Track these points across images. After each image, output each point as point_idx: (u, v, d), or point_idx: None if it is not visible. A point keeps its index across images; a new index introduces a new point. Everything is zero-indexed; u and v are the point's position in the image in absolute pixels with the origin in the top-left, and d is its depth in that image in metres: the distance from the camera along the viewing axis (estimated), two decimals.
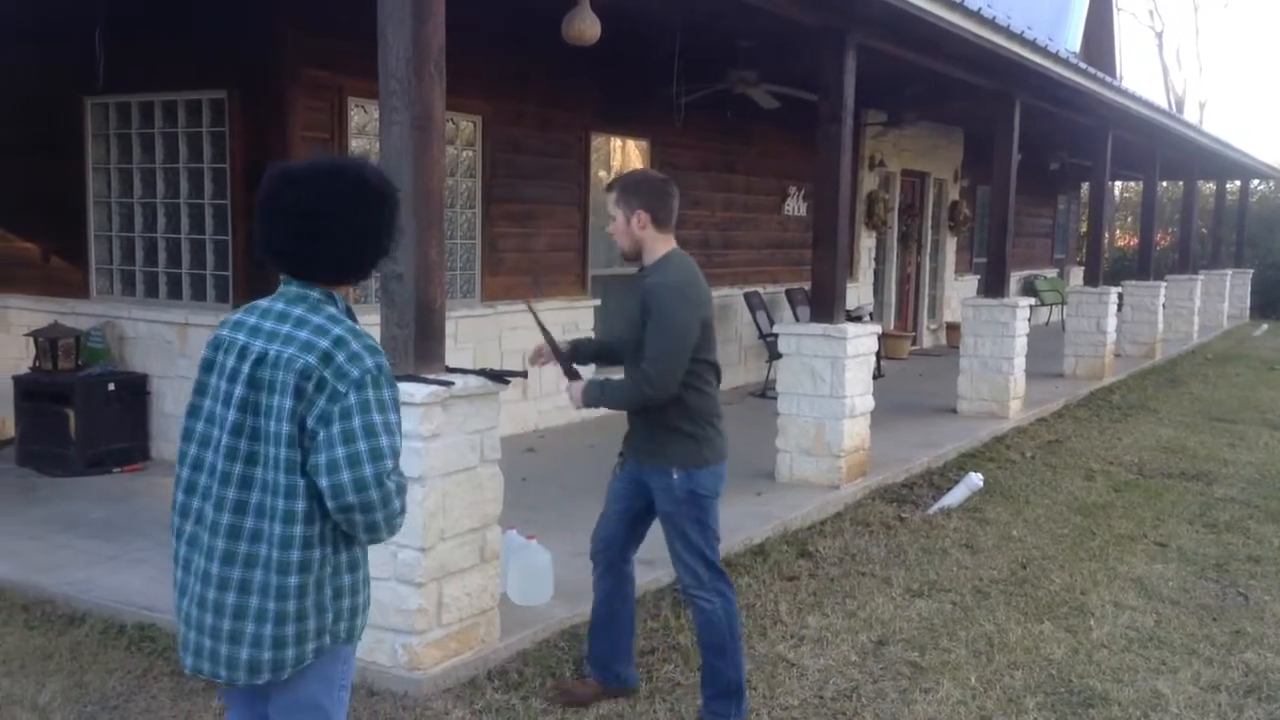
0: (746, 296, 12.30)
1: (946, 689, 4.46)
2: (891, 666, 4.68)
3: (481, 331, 8.88)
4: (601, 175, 10.33)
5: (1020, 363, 10.53)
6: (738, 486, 7.37)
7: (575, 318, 9.91)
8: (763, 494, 7.23)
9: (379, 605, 4.30)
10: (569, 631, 4.94)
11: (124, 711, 4.08)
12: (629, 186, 3.98)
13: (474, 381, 4.42)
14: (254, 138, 7.48)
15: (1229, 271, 23.81)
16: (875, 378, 8.04)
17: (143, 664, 4.47)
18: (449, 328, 5.86)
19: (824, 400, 7.43)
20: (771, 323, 11.98)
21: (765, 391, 11.21)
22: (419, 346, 4.32)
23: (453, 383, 4.25)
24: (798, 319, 11.84)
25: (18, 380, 7.69)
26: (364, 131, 7.84)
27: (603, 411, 10.23)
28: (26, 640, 4.70)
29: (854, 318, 9.56)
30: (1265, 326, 23.88)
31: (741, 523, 6.52)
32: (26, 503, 6.72)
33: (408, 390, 4.16)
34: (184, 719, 4.03)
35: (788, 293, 12.96)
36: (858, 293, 13.78)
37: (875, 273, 15.38)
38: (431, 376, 4.28)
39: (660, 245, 3.96)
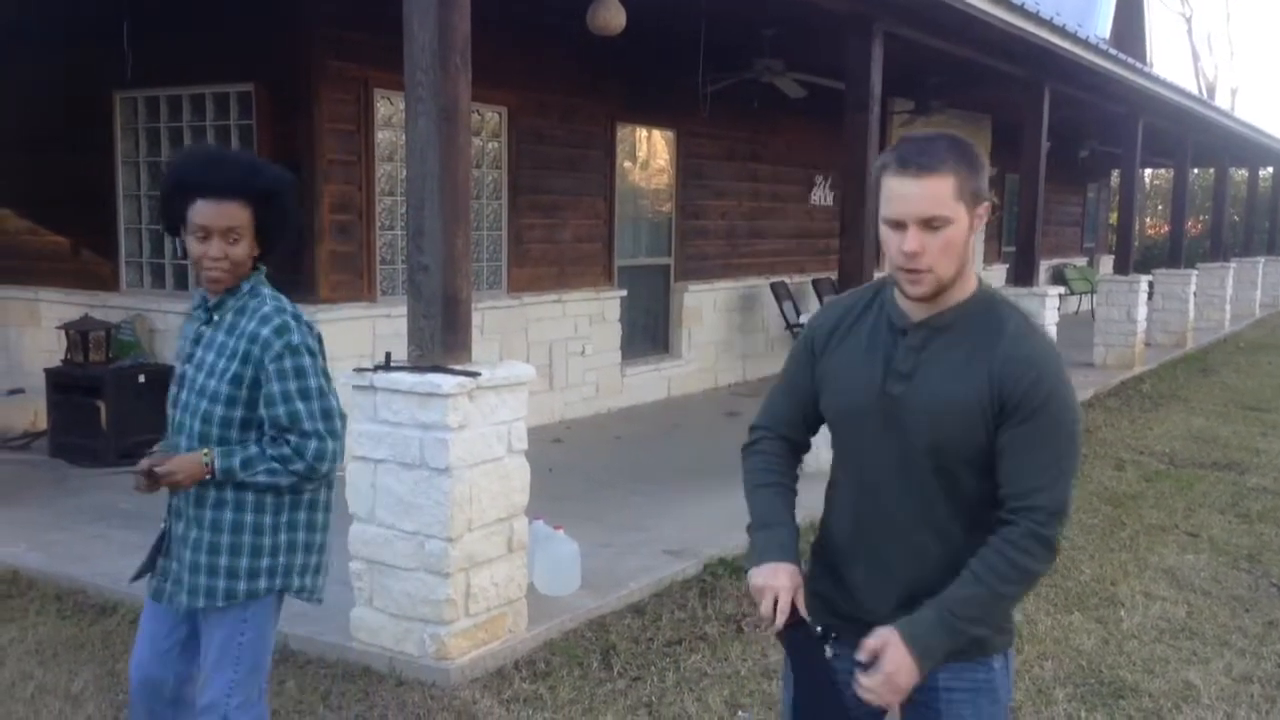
0: (773, 286, 12.26)
1: None
2: None
3: (508, 323, 8.89)
4: (627, 165, 10.32)
5: None
6: None
7: (601, 309, 9.91)
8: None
9: (407, 596, 4.34)
10: (596, 622, 4.94)
11: None
12: (968, 155, 2.04)
13: (502, 371, 4.42)
14: (281, 130, 7.51)
15: (1261, 259, 23.52)
16: None
17: None
18: (475, 319, 5.87)
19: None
20: (799, 313, 11.93)
21: None
22: (445, 338, 4.33)
23: (479, 373, 4.26)
24: None
25: (49, 373, 7.77)
26: (390, 123, 7.86)
27: (630, 401, 10.40)
28: (59, 630, 4.75)
29: None
30: None
31: None
32: (58, 494, 6.79)
33: (434, 381, 4.18)
34: None
35: (814, 283, 12.91)
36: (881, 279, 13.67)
37: None
38: (458, 368, 4.29)
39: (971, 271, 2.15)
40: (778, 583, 2.08)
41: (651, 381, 10.67)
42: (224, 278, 2.81)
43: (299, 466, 2.80)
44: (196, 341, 2.88)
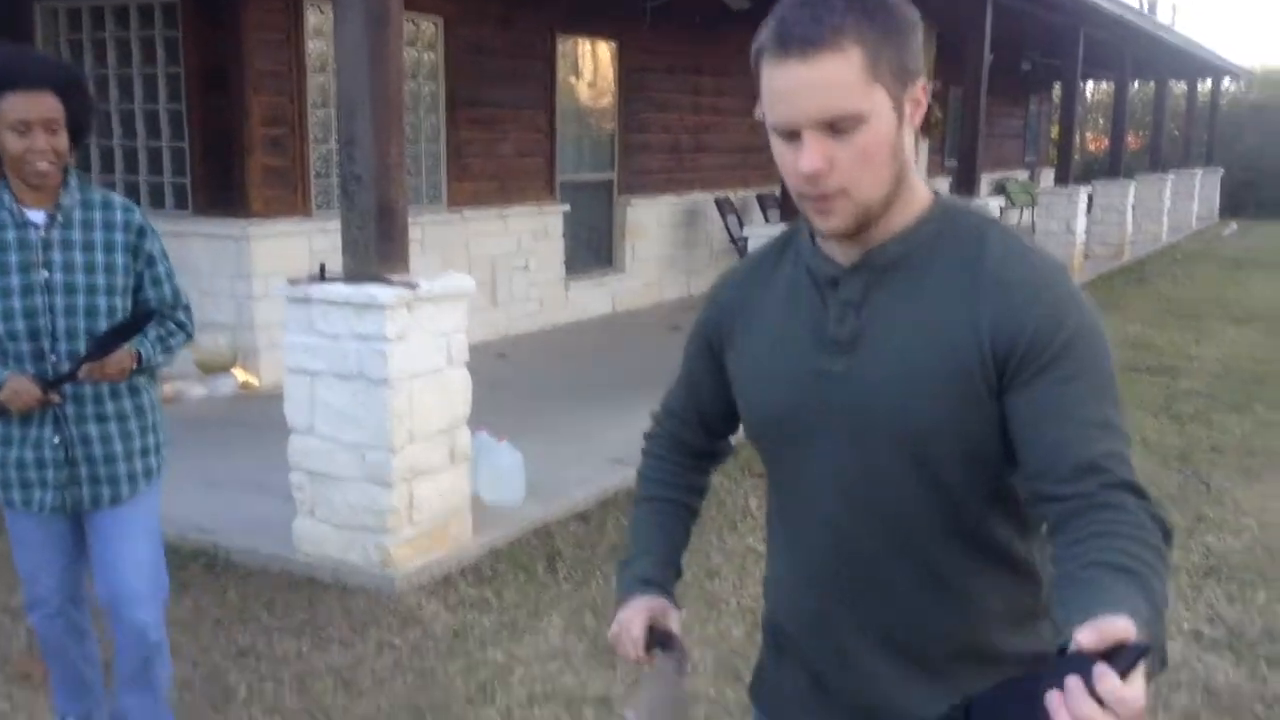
0: (717, 201, 12.23)
1: None
2: None
3: (449, 239, 8.80)
4: (569, 79, 10.17)
5: None
6: None
7: (544, 224, 9.84)
8: None
9: (350, 507, 4.34)
10: (541, 530, 4.99)
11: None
12: (881, 13, 1.35)
13: (441, 283, 4.38)
14: (208, 41, 7.30)
15: (1199, 171, 23.82)
16: None
17: None
18: (415, 234, 5.81)
19: None
20: (742, 226, 11.93)
21: None
22: (380, 248, 4.28)
23: (418, 285, 4.22)
24: (768, 222, 11.79)
25: None
26: (321, 33, 7.66)
27: (574, 316, 10.39)
28: None
29: None
30: (1234, 226, 24.00)
31: None
32: None
33: (371, 292, 4.13)
34: None
35: (758, 197, 12.89)
36: None
37: None
38: (396, 278, 4.24)
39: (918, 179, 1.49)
40: (625, 617, 1.60)
41: (596, 297, 10.65)
42: (51, 170, 2.75)
43: (181, 339, 2.99)
44: (46, 248, 2.78)
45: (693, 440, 1.75)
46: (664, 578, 1.66)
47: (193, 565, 4.50)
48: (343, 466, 4.34)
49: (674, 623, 1.62)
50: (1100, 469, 1.27)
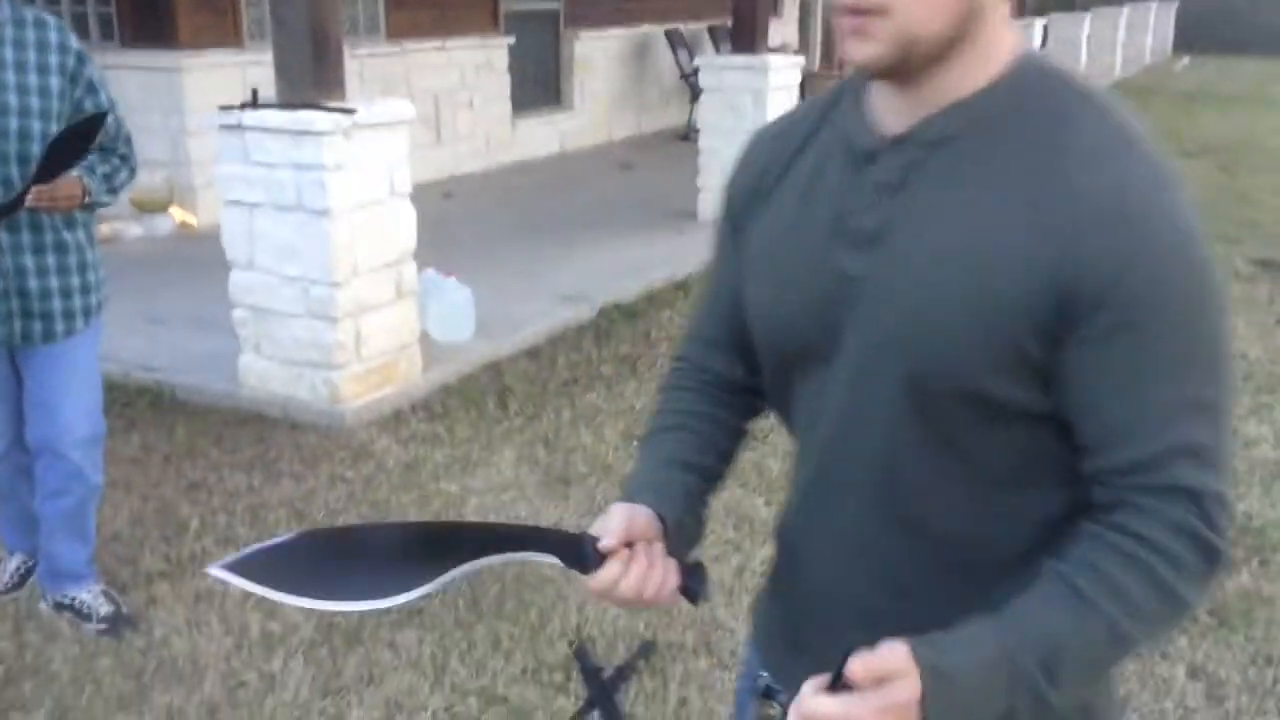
0: (667, 34, 11.88)
1: None
2: None
3: (389, 72, 8.50)
4: None
5: None
6: (660, 226, 7.37)
7: (489, 57, 9.52)
8: (684, 233, 7.20)
9: (295, 342, 4.27)
10: (491, 366, 4.96)
11: None
12: None
13: (379, 109, 4.23)
14: None
15: (1154, 4, 23.51)
16: None
17: None
18: (353, 67, 5.59)
19: (746, 135, 7.28)
20: (693, 58, 11.63)
21: (688, 134, 11.00)
22: (315, 73, 4.10)
23: (355, 110, 4.06)
24: (719, 53, 11.49)
25: None
26: None
27: (521, 155, 10.17)
28: None
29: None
30: (1186, 60, 23.85)
31: (662, 260, 6.52)
32: None
33: (307, 119, 3.98)
34: (104, 455, 4.03)
35: (710, 30, 12.54)
36: (782, 30, 13.37)
37: (801, 6, 14.91)
38: (332, 104, 4.08)
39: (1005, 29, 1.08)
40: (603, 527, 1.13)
41: (543, 135, 10.41)
42: None
43: (125, 175, 2.86)
44: None
45: (726, 370, 1.29)
46: (656, 494, 1.18)
47: (139, 402, 4.44)
48: (286, 301, 4.26)
49: (651, 552, 1.12)
50: (1159, 465, 0.99)
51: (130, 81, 7.04)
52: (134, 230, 6.78)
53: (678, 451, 1.25)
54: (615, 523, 1.12)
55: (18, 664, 2.87)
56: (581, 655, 2.92)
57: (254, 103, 4.12)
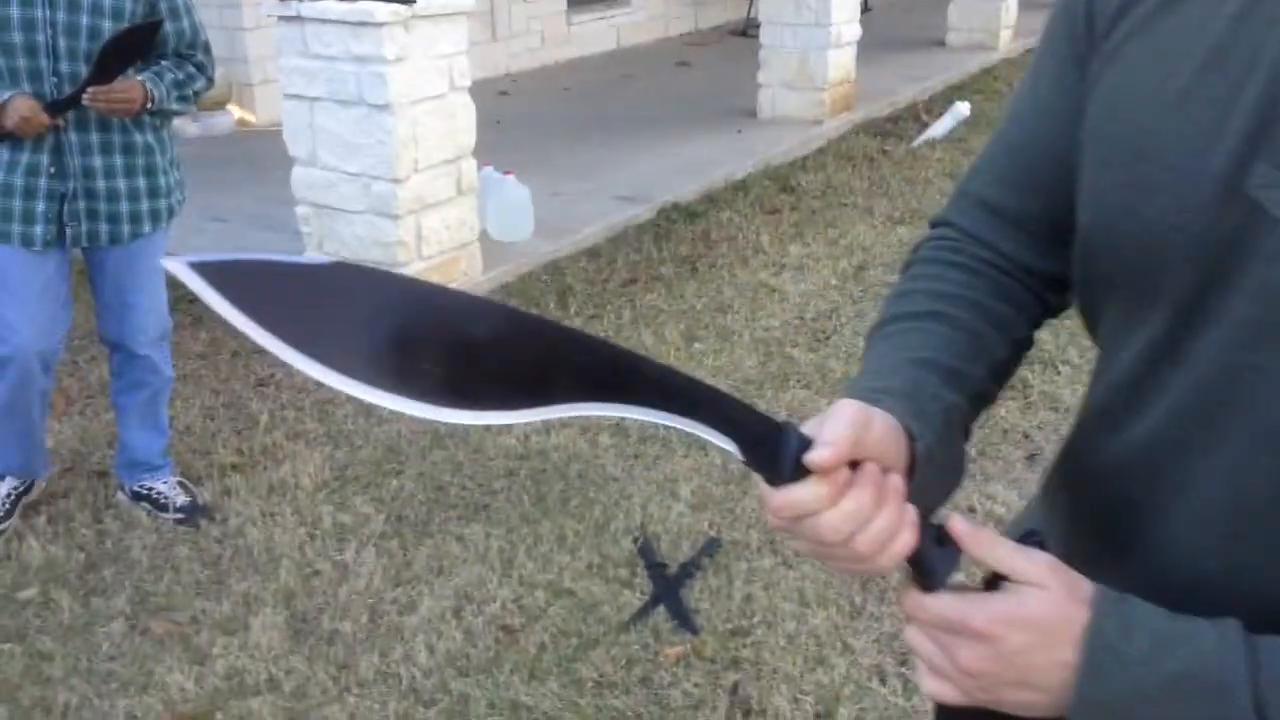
0: None
1: None
2: (871, 289, 4.73)
3: None
4: None
5: None
6: (718, 125, 7.24)
7: None
8: (743, 131, 7.07)
9: (357, 239, 4.27)
10: (551, 265, 4.95)
11: None
12: None
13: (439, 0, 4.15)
14: None
15: None
16: (863, 11, 7.67)
17: None
18: None
19: (809, 29, 7.10)
20: None
21: (746, 30, 10.76)
22: None
23: (414, 0, 3.99)
24: None
25: None
26: None
27: (577, 52, 9.99)
28: None
29: None
30: None
31: (722, 159, 6.42)
32: None
33: (366, 9, 3.92)
34: (172, 351, 4.09)
35: None
36: None
37: None
38: None
39: None
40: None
41: (599, 31, 10.22)
42: None
43: (201, 83, 2.85)
44: None
45: (1015, 249, 0.93)
46: (908, 403, 0.81)
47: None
48: (348, 198, 4.25)
49: (884, 485, 0.74)
50: None
51: None
52: (192, 128, 6.78)
53: (939, 351, 0.86)
54: (841, 427, 0.72)
55: (98, 550, 2.95)
56: (646, 551, 2.95)
57: None
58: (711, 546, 2.97)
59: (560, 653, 2.59)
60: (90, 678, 2.52)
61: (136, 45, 2.62)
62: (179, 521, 3.04)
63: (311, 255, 0.53)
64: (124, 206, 2.78)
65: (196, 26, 2.81)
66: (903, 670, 2.50)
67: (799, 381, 3.92)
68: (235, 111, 7.07)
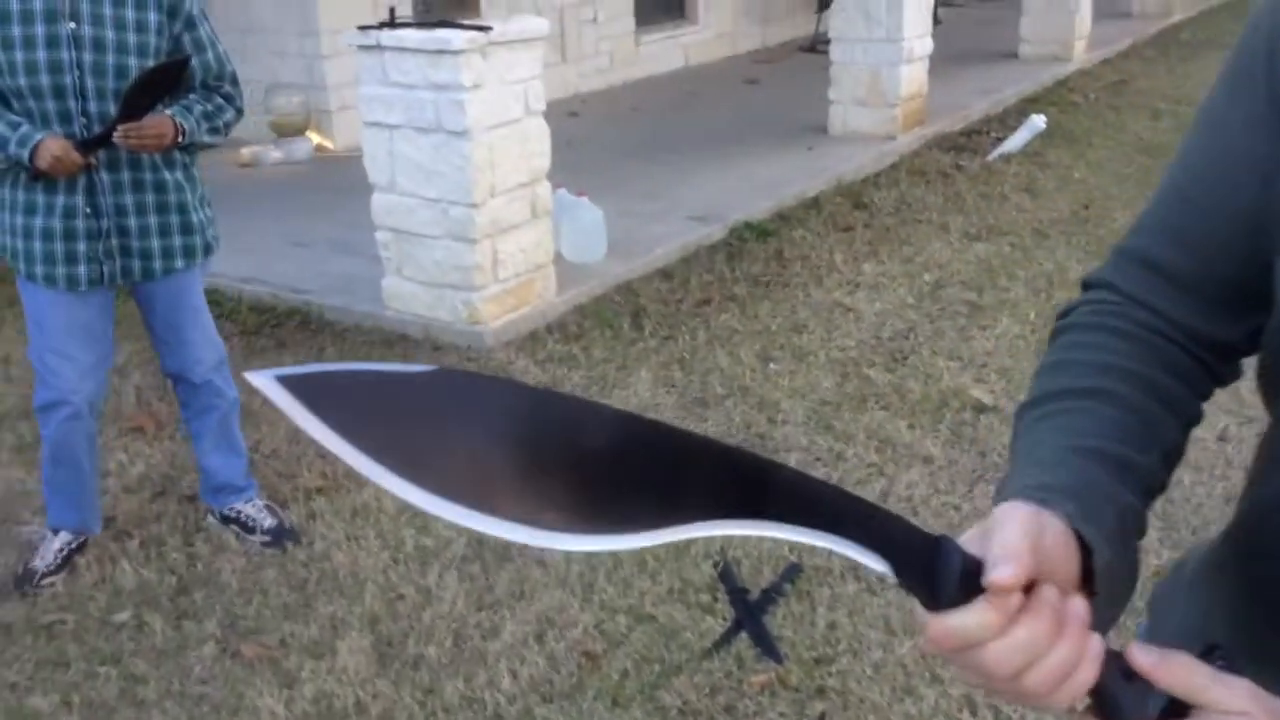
0: None
1: (1005, 325, 4.46)
2: (949, 307, 4.68)
3: None
4: None
5: (1087, 0, 9.91)
6: (788, 142, 7.22)
7: None
8: (814, 148, 7.04)
9: (435, 264, 4.32)
10: (624, 286, 4.96)
11: None
12: None
13: (514, 25, 4.19)
14: None
15: None
16: (934, 25, 7.61)
17: None
18: None
19: (880, 45, 7.06)
20: None
21: (816, 46, 10.72)
22: None
23: (490, 28, 4.04)
24: None
25: None
26: None
27: (646, 72, 10.03)
28: None
29: None
30: None
31: (793, 177, 6.39)
32: None
33: (444, 37, 3.97)
34: None
35: None
36: None
37: None
38: (468, 22, 4.06)
39: None
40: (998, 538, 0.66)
41: (667, 50, 10.25)
42: None
43: (230, 115, 2.84)
44: None
45: (1186, 318, 0.84)
46: (1081, 505, 0.71)
47: (288, 324, 4.57)
48: (426, 224, 4.30)
49: (1063, 610, 0.65)
50: None
51: (265, 5, 7.15)
52: (273, 154, 6.92)
53: (1108, 439, 0.76)
54: (1015, 538, 0.64)
55: (189, 574, 3.02)
56: (726, 576, 2.93)
57: (391, 22, 4.13)
58: (793, 572, 2.95)
59: (643, 679, 2.59)
60: (183, 701, 2.57)
61: (164, 82, 2.61)
62: (266, 544, 3.09)
63: (409, 365, 0.47)
64: (155, 243, 2.78)
65: (222, 58, 2.81)
66: (993, 703, 2.46)
67: (877, 402, 3.88)
68: (314, 138, 7.20)
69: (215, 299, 4.74)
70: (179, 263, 2.84)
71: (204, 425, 3.09)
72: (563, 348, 4.36)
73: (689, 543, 3.07)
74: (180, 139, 2.67)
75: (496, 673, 2.61)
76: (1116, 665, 0.66)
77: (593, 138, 7.55)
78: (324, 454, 3.56)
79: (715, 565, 2.98)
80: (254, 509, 3.16)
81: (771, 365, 4.20)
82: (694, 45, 10.55)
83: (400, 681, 2.60)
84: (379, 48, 4.12)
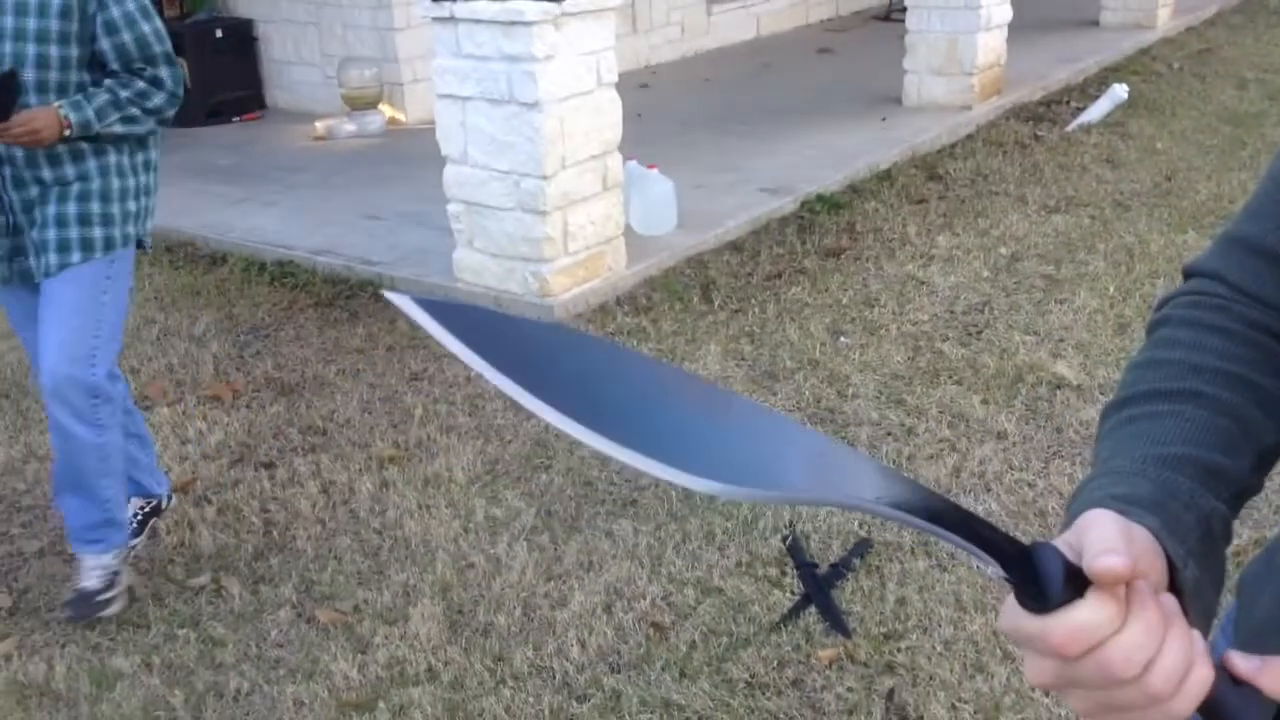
0: None
1: (1083, 299, 4.37)
2: (1025, 280, 4.59)
3: None
4: None
5: None
6: (862, 113, 7.11)
7: None
8: (888, 119, 6.93)
9: (506, 236, 4.34)
10: (694, 259, 4.94)
11: (275, 339, 4.29)
12: None
13: None
14: None
15: None
16: None
17: (287, 297, 4.66)
18: None
19: (957, 12, 6.91)
20: None
21: (890, 14, 10.54)
22: None
23: None
24: None
25: None
26: None
27: (717, 42, 9.95)
28: (174, 279, 4.92)
29: None
30: None
31: (866, 148, 6.30)
32: None
33: (517, 9, 3.97)
34: (331, 345, 4.22)
35: None
36: None
37: None
38: None
39: None
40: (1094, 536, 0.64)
41: (739, 20, 10.14)
42: None
43: (159, 100, 2.57)
44: None
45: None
46: (1164, 517, 0.69)
47: (361, 295, 4.63)
48: (497, 196, 4.32)
49: (1164, 606, 0.64)
50: None
51: None
52: (347, 127, 6.99)
53: (1196, 445, 0.74)
54: (1111, 534, 0.64)
55: (265, 540, 3.08)
56: (795, 550, 2.92)
57: None
58: (863, 547, 2.92)
59: (711, 652, 2.59)
60: (260, 664, 2.63)
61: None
62: (69, 616, 2.74)
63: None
64: (51, 234, 2.57)
65: (146, 39, 2.55)
66: None
67: (950, 377, 3.82)
68: (387, 110, 7.26)
69: (290, 270, 4.85)
70: (75, 256, 2.57)
71: (55, 458, 2.71)
72: (632, 320, 4.36)
73: (757, 517, 3.06)
74: (67, 132, 2.46)
75: (565, 642, 2.63)
76: (1224, 671, 0.63)
77: (664, 109, 7.51)
78: (396, 424, 3.62)
79: (784, 539, 2.97)
80: (91, 567, 2.77)
81: (842, 339, 4.16)
82: (766, 14, 10.43)
83: (470, 649, 2.63)
84: (453, 20, 4.13)
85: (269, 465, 3.42)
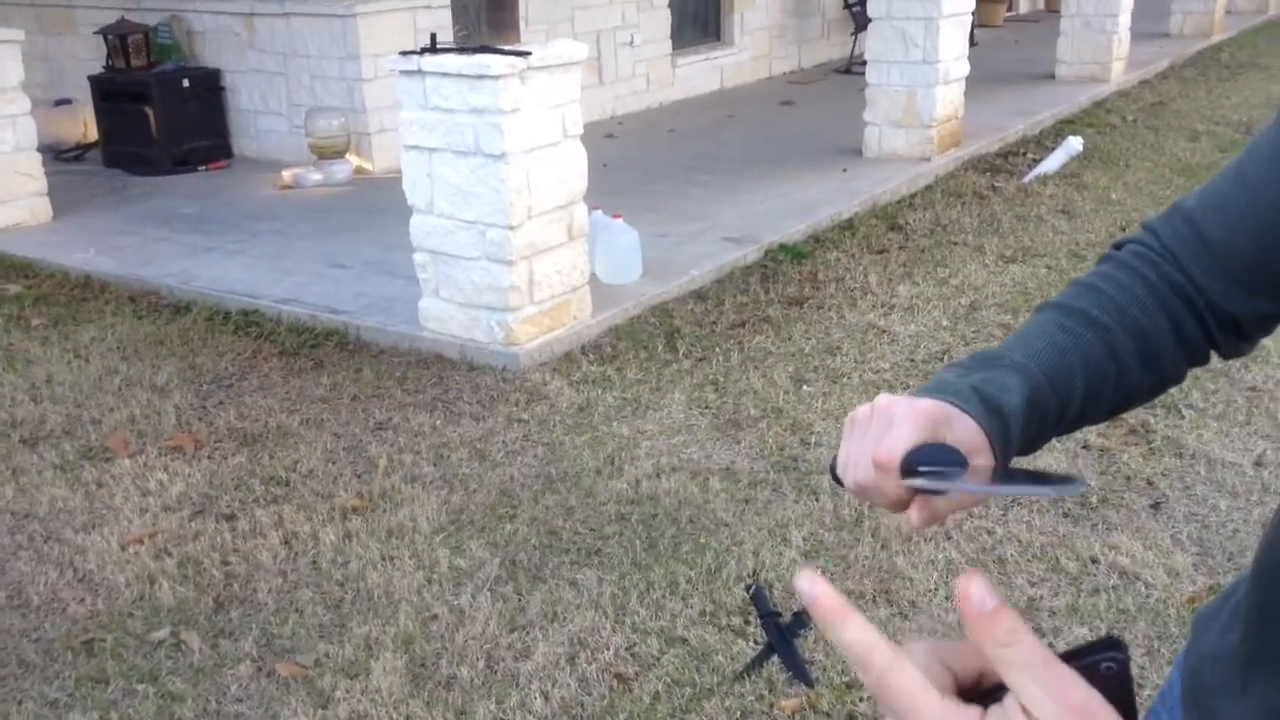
0: None
1: None
2: (984, 329, 4.66)
3: (553, 12, 8.52)
4: None
5: (1125, 21, 9.85)
6: (823, 164, 7.22)
7: None
8: (849, 170, 7.04)
9: (472, 285, 4.36)
10: (659, 308, 4.98)
11: (238, 389, 4.27)
12: None
13: (552, 50, 4.24)
14: None
15: None
16: (970, 46, 7.59)
17: (250, 346, 4.64)
18: (518, 9, 5.60)
19: (916, 66, 7.06)
20: None
21: (850, 67, 10.74)
22: (491, 15, 4.14)
23: (529, 53, 4.08)
24: None
25: (94, 80, 7.64)
26: None
27: (682, 94, 10.08)
28: (136, 328, 4.89)
29: None
30: None
31: (828, 199, 6.39)
32: (120, 201, 6.83)
33: (483, 62, 4.02)
34: (295, 394, 4.21)
35: None
36: None
37: None
38: (507, 47, 4.11)
39: None
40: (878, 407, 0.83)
41: (703, 72, 10.29)
42: None
43: None
44: None
45: (1209, 283, 0.92)
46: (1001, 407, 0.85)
47: (326, 344, 4.62)
48: (463, 245, 4.35)
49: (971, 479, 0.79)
50: None
51: (307, 27, 7.26)
52: (313, 176, 7.01)
53: (1084, 369, 0.90)
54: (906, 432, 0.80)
55: (226, 593, 3.05)
56: (758, 599, 2.93)
57: (433, 47, 4.18)
58: None
59: (674, 703, 2.59)
60: (219, 719, 2.60)
61: None
62: None
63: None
64: None
65: None
66: None
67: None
68: (353, 160, 7.29)
69: (255, 319, 4.84)
70: None
71: None
72: (597, 369, 4.38)
73: (720, 566, 3.08)
74: None
75: (528, 694, 2.63)
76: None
77: (629, 159, 7.59)
78: (360, 474, 3.62)
79: (747, 588, 2.98)
80: None
81: (805, 387, 4.20)
82: (730, 67, 10.59)
83: (433, 702, 2.62)
84: (420, 73, 4.18)
85: (230, 517, 3.40)
